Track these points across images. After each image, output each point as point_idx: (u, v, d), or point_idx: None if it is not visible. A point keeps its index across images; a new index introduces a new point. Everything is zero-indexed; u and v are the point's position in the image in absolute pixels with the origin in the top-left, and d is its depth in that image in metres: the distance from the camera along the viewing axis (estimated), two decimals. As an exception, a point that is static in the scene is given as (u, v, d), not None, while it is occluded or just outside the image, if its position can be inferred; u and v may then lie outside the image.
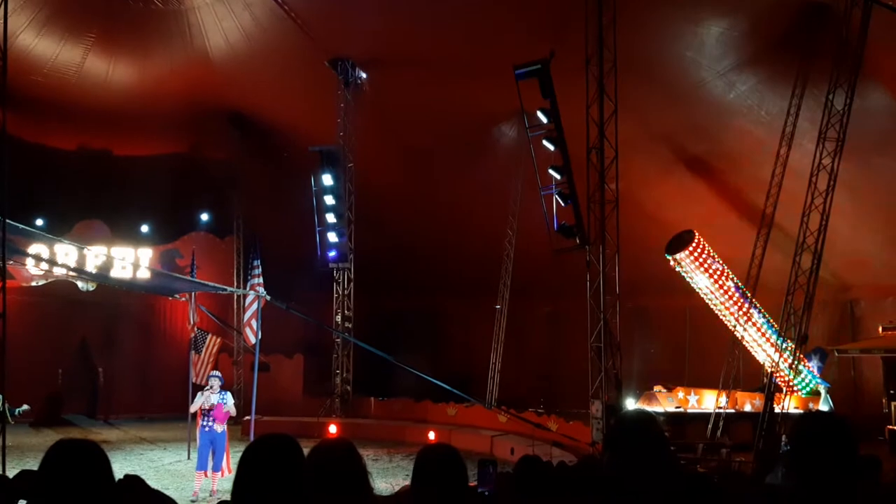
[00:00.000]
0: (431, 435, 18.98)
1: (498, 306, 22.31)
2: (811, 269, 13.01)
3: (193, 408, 12.45)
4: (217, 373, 12.56)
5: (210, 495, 11.98)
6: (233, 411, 12.20)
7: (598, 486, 3.27)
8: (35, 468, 2.33)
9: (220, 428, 11.95)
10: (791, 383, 15.72)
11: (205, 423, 11.94)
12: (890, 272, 18.89)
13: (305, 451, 2.63)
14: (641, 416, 3.28)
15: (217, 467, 12.00)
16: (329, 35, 18.28)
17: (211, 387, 12.06)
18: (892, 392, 16.30)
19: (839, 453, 2.66)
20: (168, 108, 21.15)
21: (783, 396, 15.18)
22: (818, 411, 3.94)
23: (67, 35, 18.76)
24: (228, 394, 12.25)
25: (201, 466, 11.89)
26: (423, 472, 2.96)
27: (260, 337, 14.11)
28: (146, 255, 22.78)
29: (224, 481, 12.09)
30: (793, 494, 2.73)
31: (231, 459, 12.24)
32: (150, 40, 18.99)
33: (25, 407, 11.05)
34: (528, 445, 14.98)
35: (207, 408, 11.94)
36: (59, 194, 21.42)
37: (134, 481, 2.54)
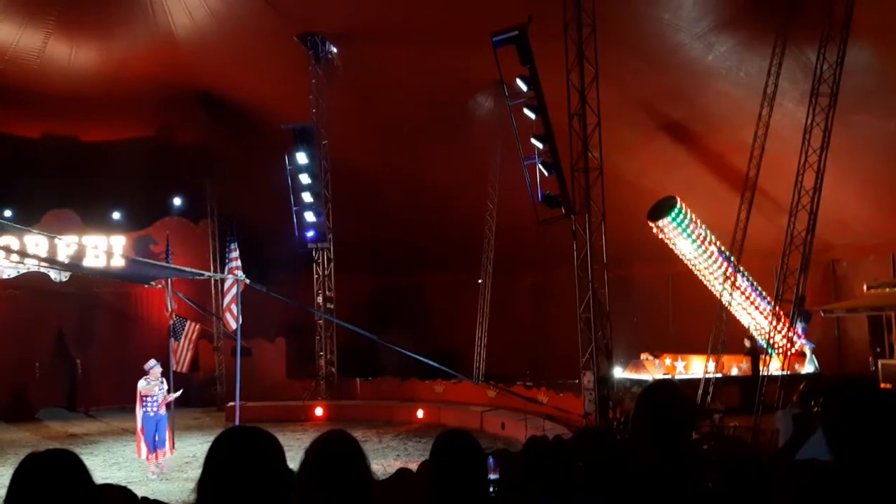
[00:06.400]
0: (420, 413, 18.86)
1: (480, 280, 22.14)
2: (807, 229, 12.90)
3: (147, 391, 12.95)
4: (155, 362, 13.30)
5: (161, 472, 13.01)
6: (171, 398, 13.36)
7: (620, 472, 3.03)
8: (12, 465, 2.06)
9: (163, 411, 13.00)
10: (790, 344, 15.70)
11: (148, 409, 12.84)
12: (870, 232, 18.92)
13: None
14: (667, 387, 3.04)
15: (162, 445, 12.97)
16: (297, 9, 17.78)
17: (148, 375, 12.96)
18: (878, 350, 16.32)
19: (883, 423, 2.46)
20: (134, 90, 20.59)
21: (770, 359, 15.17)
22: (853, 376, 3.73)
23: (27, 20, 18.13)
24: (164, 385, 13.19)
25: (153, 449, 12.86)
26: (442, 462, 2.75)
27: (241, 322, 13.80)
28: (119, 242, 22.28)
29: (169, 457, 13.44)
30: (840, 470, 2.50)
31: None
32: (112, 21, 18.40)
33: None
34: (519, 420, 14.86)
35: (147, 395, 12.85)
36: (26, 184, 20.81)
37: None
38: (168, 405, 13.38)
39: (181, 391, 14.05)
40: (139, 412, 12.91)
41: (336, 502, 2.32)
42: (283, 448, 2.16)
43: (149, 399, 12.85)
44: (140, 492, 9.34)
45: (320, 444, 2.49)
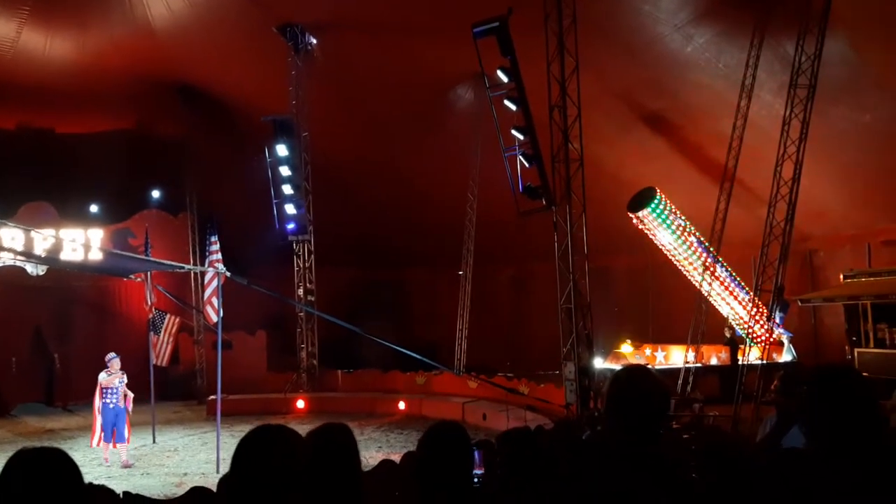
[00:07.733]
0: (402, 405, 18.89)
1: (461, 272, 22.16)
2: (786, 220, 12.99)
3: (107, 383, 13.41)
4: (114, 354, 13.64)
5: (122, 466, 13.26)
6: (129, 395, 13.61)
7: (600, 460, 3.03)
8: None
9: (122, 404, 13.37)
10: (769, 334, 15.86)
11: (108, 401, 13.28)
12: (847, 222, 19.12)
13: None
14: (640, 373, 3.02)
15: (122, 438, 13.34)
16: None
17: (108, 367, 13.42)
18: (854, 339, 16.52)
19: (863, 411, 2.50)
20: (112, 82, 20.32)
21: (749, 349, 15.32)
22: (832, 364, 3.74)
23: (-1, 9, 17.86)
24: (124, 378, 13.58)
25: (108, 438, 13.27)
26: (431, 454, 2.77)
27: (222, 315, 13.73)
28: (97, 235, 22.03)
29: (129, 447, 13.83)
30: (823, 459, 2.53)
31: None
32: (88, 11, 18.12)
33: None
34: (500, 411, 14.92)
35: (107, 386, 13.30)
36: (1, 176, 20.52)
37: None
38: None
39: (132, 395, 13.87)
40: (98, 403, 13.38)
41: (333, 492, 2.38)
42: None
43: (109, 391, 13.33)
44: (122, 486, 9.30)
45: (321, 438, 2.54)
